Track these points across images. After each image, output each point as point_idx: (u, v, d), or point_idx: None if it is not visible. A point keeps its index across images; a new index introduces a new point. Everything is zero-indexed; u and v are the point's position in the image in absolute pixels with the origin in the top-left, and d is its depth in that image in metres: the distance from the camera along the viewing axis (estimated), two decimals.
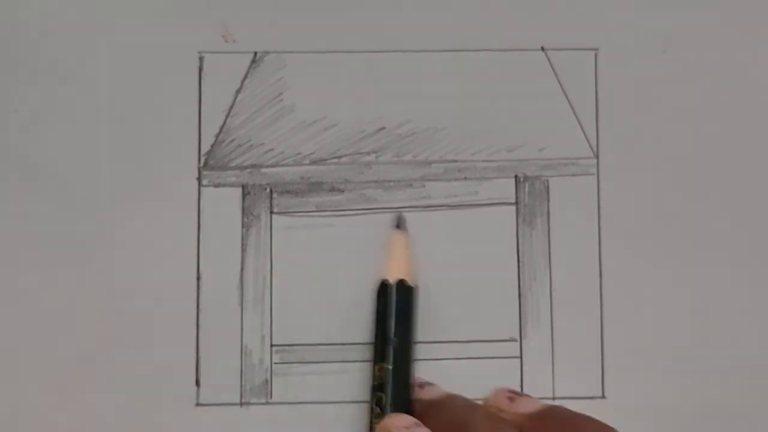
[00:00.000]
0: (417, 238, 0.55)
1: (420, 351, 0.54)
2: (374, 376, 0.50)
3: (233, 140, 0.55)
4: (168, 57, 0.56)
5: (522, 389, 0.54)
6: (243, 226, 0.55)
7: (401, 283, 0.52)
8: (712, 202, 0.55)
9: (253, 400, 0.54)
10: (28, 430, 0.53)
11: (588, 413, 0.53)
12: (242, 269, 0.54)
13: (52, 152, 0.55)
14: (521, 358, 0.54)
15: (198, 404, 0.54)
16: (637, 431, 0.53)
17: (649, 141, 0.56)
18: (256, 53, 0.56)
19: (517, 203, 0.55)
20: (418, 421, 0.46)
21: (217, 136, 0.55)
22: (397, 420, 0.46)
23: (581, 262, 0.55)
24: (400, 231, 0.54)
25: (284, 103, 0.56)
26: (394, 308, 0.51)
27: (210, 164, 0.55)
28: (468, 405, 0.48)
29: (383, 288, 0.52)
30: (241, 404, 0.54)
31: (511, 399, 0.48)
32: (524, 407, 0.47)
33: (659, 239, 0.55)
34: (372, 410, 0.50)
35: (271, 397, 0.54)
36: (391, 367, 0.50)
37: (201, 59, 0.56)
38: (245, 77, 0.56)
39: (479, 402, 0.49)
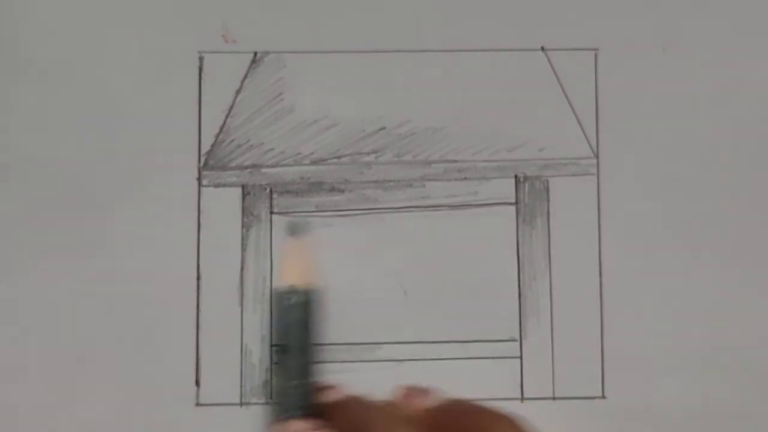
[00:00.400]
0: (417, 238, 0.55)
1: (420, 351, 0.54)
2: (279, 381, 0.50)
3: (233, 140, 0.55)
4: (168, 57, 0.56)
5: (522, 389, 0.54)
6: (243, 226, 0.55)
7: (291, 290, 0.51)
8: (712, 202, 0.55)
9: (253, 400, 0.54)
10: (28, 430, 0.53)
11: (588, 413, 0.53)
12: (242, 269, 0.54)
13: (52, 152, 0.55)
14: (521, 358, 0.54)
15: (198, 404, 0.54)
16: (637, 431, 0.53)
17: (649, 141, 0.56)
18: (256, 53, 0.56)
19: (517, 203, 0.55)
20: (325, 423, 0.46)
21: (217, 136, 0.55)
22: (301, 425, 0.47)
23: (581, 262, 0.55)
24: (298, 237, 0.53)
25: (284, 103, 0.56)
26: (286, 315, 0.51)
27: (210, 164, 0.55)
28: (367, 405, 0.48)
29: (279, 296, 0.51)
30: (241, 404, 0.54)
31: (411, 395, 0.48)
32: (424, 401, 0.47)
33: (659, 239, 0.55)
34: (277, 414, 0.49)
35: (271, 397, 0.54)
36: (295, 371, 0.50)
37: (201, 59, 0.56)
38: (245, 77, 0.56)
39: (383, 401, 0.49)
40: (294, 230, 0.52)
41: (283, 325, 0.49)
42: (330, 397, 0.49)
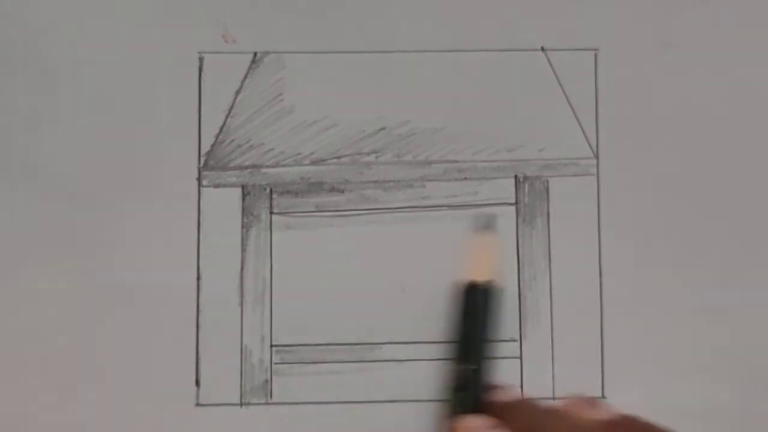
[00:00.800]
0: (417, 237, 0.55)
1: (420, 351, 0.54)
2: (457, 377, 0.50)
3: (233, 140, 0.55)
4: (168, 57, 0.56)
5: (522, 389, 0.54)
6: (243, 226, 0.55)
7: (488, 285, 0.51)
8: (712, 202, 0.55)
9: (253, 400, 0.54)
10: (28, 430, 0.53)
11: None
12: (242, 269, 0.54)
13: (52, 152, 0.55)
14: (521, 358, 0.54)
15: (198, 404, 0.54)
16: None
17: (649, 141, 0.56)
18: (256, 53, 0.56)
19: (517, 203, 0.55)
20: (500, 422, 0.46)
21: (217, 136, 0.55)
22: (478, 421, 0.46)
23: (581, 262, 0.55)
24: (486, 232, 0.53)
25: (284, 103, 0.56)
26: (480, 309, 0.51)
27: (210, 164, 0.55)
28: (542, 410, 0.48)
29: (470, 289, 0.51)
30: (241, 404, 0.54)
31: (583, 406, 0.48)
32: (600, 414, 0.47)
33: (659, 239, 0.55)
34: (452, 410, 0.49)
35: (271, 397, 0.54)
36: (475, 367, 0.49)
37: (201, 59, 0.56)
38: (245, 77, 0.56)
39: (554, 408, 0.49)
40: (483, 225, 0.52)
41: (468, 318, 0.49)
42: (504, 396, 0.48)
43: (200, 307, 0.54)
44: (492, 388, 0.49)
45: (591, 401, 0.48)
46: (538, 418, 0.46)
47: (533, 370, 0.54)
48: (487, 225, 0.52)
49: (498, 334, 0.50)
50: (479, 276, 0.50)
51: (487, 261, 0.51)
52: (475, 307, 0.50)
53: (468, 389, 0.48)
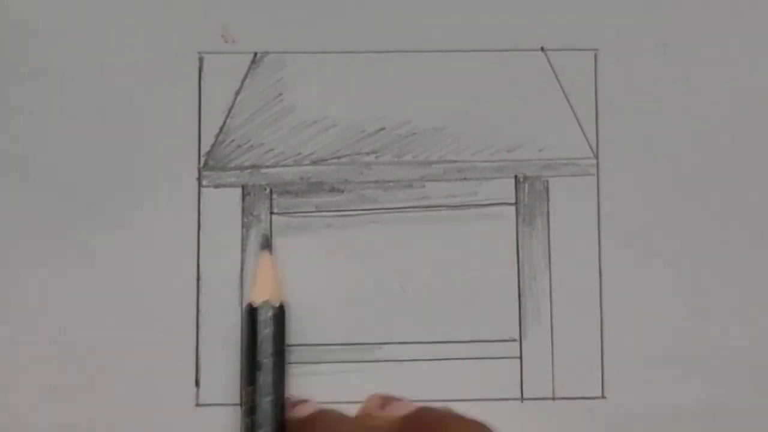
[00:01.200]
0: (417, 237, 0.55)
1: (420, 351, 0.54)
2: (244, 401, 0.50)
3: (233, 140, 0.55)
4: (168, 57, 0.56)
5: (522, 389, 0.54)
6: (243, 226, 0.55)
7: (266, 305, 0.51)
8: (712, 202, 0.55)
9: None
10: (29, 430, 0.53)
11: (588, 413, 0.53)
12: (242, 269, 0.54)
13: (52, 152, 0.55)
14: (521, 358, 0.54)
15: (198, 404, 0.54)
16: (637, 431, 0.53)
17: (649, 141, 0.56)
18: (256, 53, 0.56)
19: (517, 203, 0.55)
20: None
21: (217, 136, 0.55)
22: None
23: (581, 262, 0.55)
24: (265, 252, 0.54)
25: (284, 103, 0.56)
26: (264, 330, 0.51)
27: (210, 165, 0.55)
28: (339, 417, 0.49)
29: (250, 311, 0.51)
30: (241, 404, 0.54)
31: (383, 405, 0.48)
32: (396, 411, 0.47)
33: (659, 239, 0.55)
34: None
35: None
36: (260, 389, 0.50)
37: (201, 59, 0.56)
38: (245, 77, 0.56)
39: (355, 413, 0.49)
40: (265, 244, 0.52)
41: (257, 340, 0.49)
42: (302, 411, 0.49)
43: (200, 307, 0.54)
44: (288, 406, 0.50)
45: (386, 399, 0.48)
46: (332, 428, 0.47)
47: (533, 370, 0.54)
48: (264, 245, 0.52)
49: (283, 352, 0.51)
50: (259, 296, 0.51)
51: (266, 281, 0.51)
52: (255, 328, 0.50)
53: (264, 409, 0.48)
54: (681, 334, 0.54)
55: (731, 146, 0.56)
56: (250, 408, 0.50)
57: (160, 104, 0.55)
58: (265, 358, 0.50)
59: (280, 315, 0.51)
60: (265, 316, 0.51)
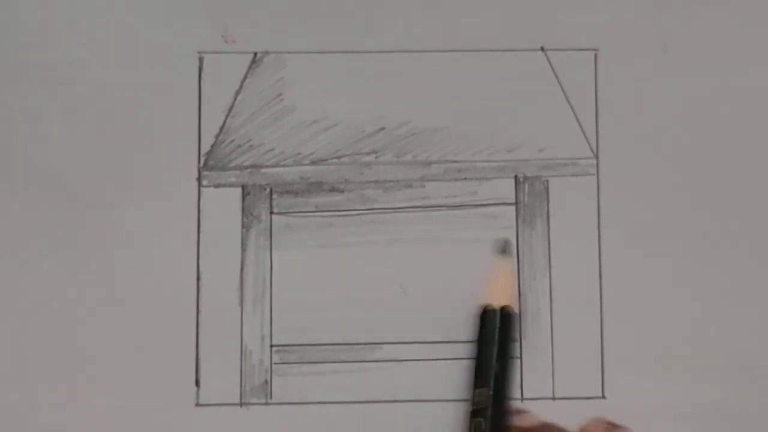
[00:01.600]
0: (417, 238, 0.55)
1: (420, 351, 0.54)
2: (474, 401, 0.50)
3: (233, 140, 0.55)
4: (168, 57, 0.56)
5: (522, 389, 0.54)
6: (243, 227, 0.55)
7: (504, 310, 0.52)
8: (712, 202, 0.55)
9: (253, 400, 0.54)
10: (29, 429, 0.53)
11: (588, 413, 0.53)
12: (242, 269, 0.54)
13: (52, 152, 0.55)
14: (521, 358, 0.54)
15: (198, 404, 0.54)
16: (637, 431, 0.53)
17: (649, 141, 0.56)
18: (256, 53, 0.56)
19: (517, 203, 0.55)
20: None
21: (217, 136, 0.55)
22: None
23: (581, 262, 0.55)
24: (504, 257, 0.54)
25: (284, 103, 0.56)
26: (497, 334, 0.51)
27: (210, 164, 0.55)
28: None
29: (486, 313, 0.52)
30: (241, 404, 0.54)
31: (607, 429, 0.48)
32: None
33: (659, 239, 0.55)
34: None
35: (271, 397, 0.54)
36: (492, 393, 0.50)
37: (201, 59, 0.56)
38: (245, 77, 0.56)
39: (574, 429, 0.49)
40: (500, 250, 0.52)
41: (483, 342, 0.49)
42: (525, 421, 0.49)
43: (200, 307, 0.54)
44: (511, 412, 0.49)
45: (610, 425, 0.48)
46: None
47: (533, 370, 0.54)
48: (504, 250, 0.52)
49: (514, 360, 0.51)
50: (494, 300, 0.51)
51: (503, 286, 0.52)
52: (489, 332, 0.50)
53: (484, 414, 0.48)
54: (681, 334, 0.54)
55: (731, 146, 0.56)
56: (478, 410, 0.49)
57: (160, 104, 0.55)
58: (498, 360, 0.50)
59: (513, 320, 0.52)
60: (500, 320, 0.51)
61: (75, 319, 0.54)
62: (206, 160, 0.55)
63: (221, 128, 0.55)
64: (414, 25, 0.56)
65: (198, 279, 0.54)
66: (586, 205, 0.55)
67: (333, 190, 0.55)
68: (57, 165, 0.55)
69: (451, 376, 0.53)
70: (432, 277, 0.55)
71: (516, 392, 0.54)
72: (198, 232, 0.55)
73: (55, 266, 0.54)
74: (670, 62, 0.56)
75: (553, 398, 0.54)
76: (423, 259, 0.55)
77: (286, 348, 0.54)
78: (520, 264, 0.55)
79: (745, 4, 0.56)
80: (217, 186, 0.55)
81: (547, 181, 0.55)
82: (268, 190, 0.55)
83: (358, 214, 0.55)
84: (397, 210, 0.55)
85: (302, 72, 0.56)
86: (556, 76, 0.56)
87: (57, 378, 0.54)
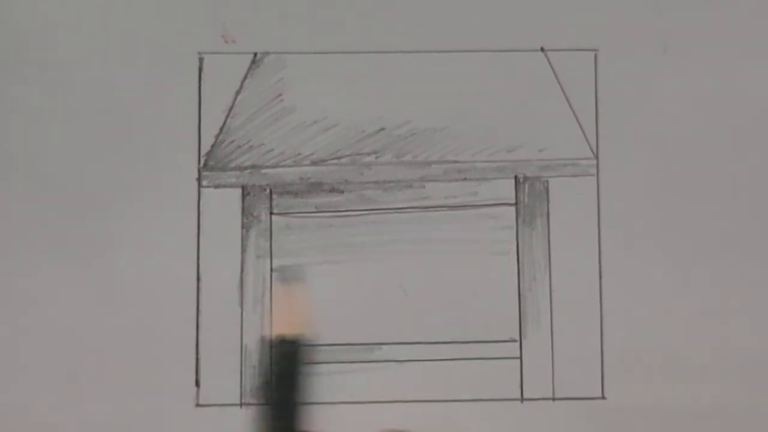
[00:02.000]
0: (417, 238, 0.55)
1: (420, 351, 0.54)
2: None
3: (233, 141, 0.55)
4: (168, 57, 0.56)
5: (522, 389, 0.54)
6: (243, 227, 0.55)
7: (281, 341, 0.51)
8: (712, 202, 0.55)
9: (253, 401, 0.54)
10: (29, 429, 0.53)
11: (588, 414, 0.53)
12: (242, 269, 0.55)
13: (52, 152, 0.55)
14: (521, 358, 0.54)
15: (198, 404, 0.54)
16: (637, 431, 0.53)
17: (649, 141, 0.56)
18: (256, 54, 0.56)
19: (517, 204, 0.55)
20: None
21: (217, 136, 0.55)
22: None
23: (581, 262, 0.55)
24: (289, 285, 0.53)
25: (284, 103, 0.56)
26: (293, 365, 0.50)
27: (210, 165, 0.55)
28: None
29: (280, 345, 0.51)
30: (241, 405, 0.54)
31: None
32: None
33: (659, 239, 0.55)
34: None
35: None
36: (285, 420, 0.49)
37: (201, 60, 0.56)
38: (245, 78, 0.56)
39: None
40: (286, 278, 0.51)
41: (277, 376, 0.49)
42: None
43: (200, 307, 0.54)
44: None
45: None
46: None
47: (533, 370, 0.54)
48: (294, 277, 0.52)
49: (307, 388, 0.50)
50: (286, 330, 0.50)
51: (295, 314, 0.51)
52: (284, 364, 0.50)
53: None
54: (681, 335, 0.54)
55: (731, 146, 0.56)
56: None
57: (160, 104, 0.55)
58: (283, 393, 0.50)
59: (293, 348, 0.51)
60: (286, 352, 0.50)
61: (75, 320, 0.54)
62: (206, 161, 0.55)
63: (221, 128, 0.55)
64: (414, 25, 0.56)
65: (198, 279, 0.54)
66: (586, 205, 0.55)
67: (333, 190, 0.55)
68: (57, 165, 0.55)
69: (451, 377, 0.53)
70: (432, 278, 0.55)
71: (517, 393, 0.54)
72: (198, 233, 0.55)
73: (55, 266, 0.54)
74: (670, 62, 0.56)
75: (553, 399, 0.54)
76: (423, 259, 0.55)
77: None
78: (520, 264, 0.55)
79: (745, 4, 0.56)
80: (217, 186, 0.55)
81: (547, 182, 0.55)
82: (268, 190, 0.55)
83: (358, 215, 0.55)
84: (397, 210, 0.55)
85: (302, 72, 0.56)
86: (556, 77, 0.56)
87: (57, 378, 0.54)
